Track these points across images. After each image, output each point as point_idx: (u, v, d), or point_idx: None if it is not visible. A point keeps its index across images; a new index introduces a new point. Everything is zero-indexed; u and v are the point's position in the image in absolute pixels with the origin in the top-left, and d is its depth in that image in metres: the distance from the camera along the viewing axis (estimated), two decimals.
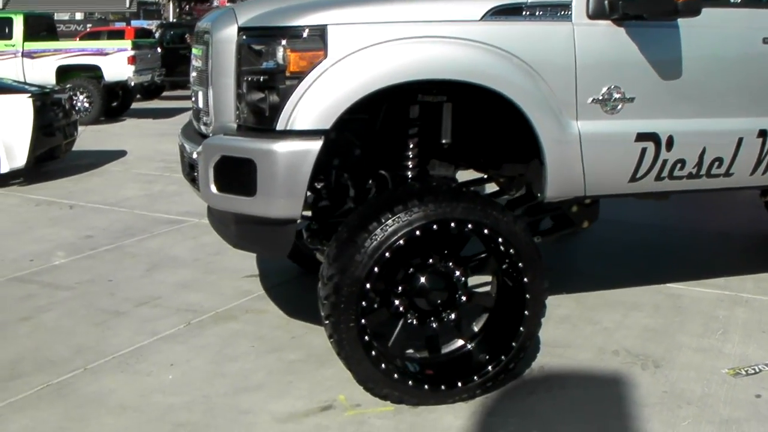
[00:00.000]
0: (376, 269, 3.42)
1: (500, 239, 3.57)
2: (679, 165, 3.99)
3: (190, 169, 3.85)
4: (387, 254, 3.42)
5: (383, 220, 3.41)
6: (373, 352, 3.53)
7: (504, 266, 3.72)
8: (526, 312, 3.69)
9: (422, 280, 3.64)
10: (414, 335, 3.80)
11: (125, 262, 5.94)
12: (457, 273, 3.69)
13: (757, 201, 7.09)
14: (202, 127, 3.89)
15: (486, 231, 3.55)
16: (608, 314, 4.89)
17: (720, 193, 5.57)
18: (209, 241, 6.41)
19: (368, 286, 3.44)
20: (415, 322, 3.68)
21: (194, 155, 3.72)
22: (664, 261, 6.11)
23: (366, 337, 3.50)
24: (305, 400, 3.73)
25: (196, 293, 5.24)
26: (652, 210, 7.37)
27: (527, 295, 3.67)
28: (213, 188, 3.56)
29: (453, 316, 3.72)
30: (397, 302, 3.66)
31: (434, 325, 3.72)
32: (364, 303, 3.47)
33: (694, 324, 4.74)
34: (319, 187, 4.11)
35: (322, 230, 4.26)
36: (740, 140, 4.11)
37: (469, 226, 3.53)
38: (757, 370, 4.09)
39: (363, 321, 3.48)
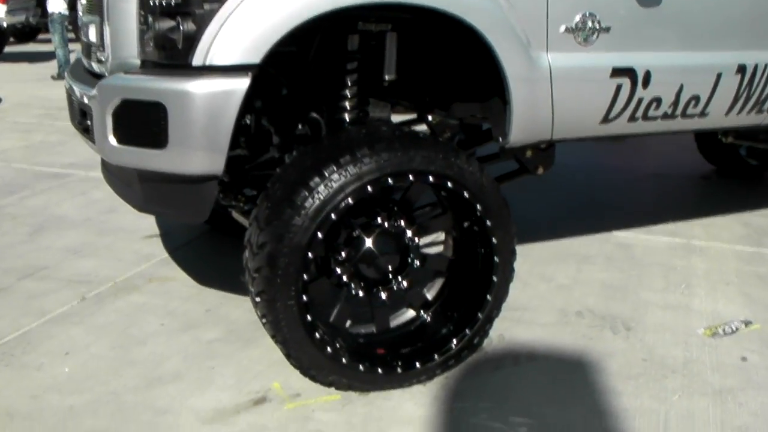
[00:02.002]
0: (319, 234, 2.81)
1: (466, 193, 3.00)
2: (654, 104, 3.52)
3: (81, 117, 3.13)
4: (332, 216, 2.80)
5: (327, 174, 2.78)
6: (317, 334, 2.93)
7: (467, 225, 3.17)
8: (494, 278, 3.16)
9: (369, 243, 3.04)
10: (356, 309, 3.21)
11: (5, 225, 5.13)
12: (410, 233, 3.12)
13: (688, 143, 6.81)
14: (96, 66, 3.17)
15: (450, 184, 2.97)
16: (560, 268, 4.44)
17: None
18: (100, 196, 5.70)
19: (310, 255, 2.83)
20: (361, 293, 3.10)
21: (87, 99, 3.01)
22: (606, 206, 5.73)
23: (309, 317, 2.89)
24: (233, 391, 3.11)
25: (90, 260, 4.51)
26: (584, 151, 7.02)
27: (496, 258, 3.13)
28: (112, 140, 2.85)
29: (406, 284, 3.15)
30: (339, 270, 3.06)
31: (383, 296, 3.14)
32: (305, 276, 2.85)
33: (654, 277, 4.34)
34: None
35: (236, 183, 3.60)
36: (719, 76, 3.67)
37: (430, 178, 2.94)
38: (734, 329, 3.70)
39: (305, 297, 2.87)
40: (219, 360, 3.36)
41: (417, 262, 3.15)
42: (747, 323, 3.75)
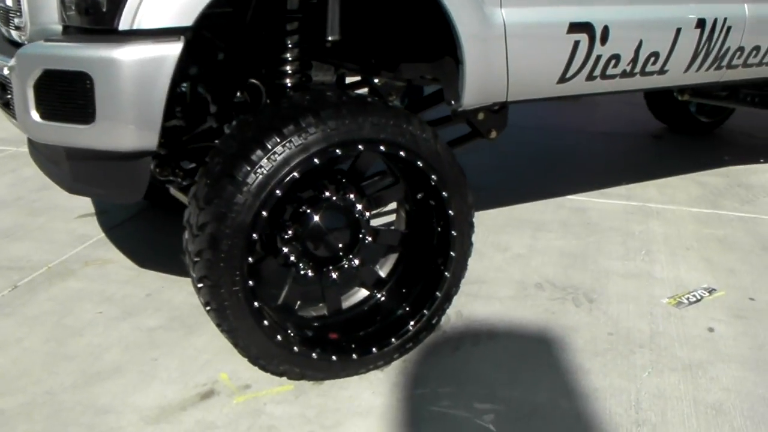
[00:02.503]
0: (264, 213, 2.58)
1: (420, 162, 2.80)
2: (613, 62, 3.36)
3: (1, 91, 2.85)
4: (278, 192, 2.58)
5: (270, 146, 2.54)
6: (266, 322, 2.71)
7: (421, 196, 2.97)
8: (452, 252, 2.97)
9: (317, 219, 2.82)
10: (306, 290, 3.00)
11: None
12: (360, 207, 2.90)
13: (638, 99, 6.70)
14: (14, 33, 2.88)
15: (402, 153, 2.76)
16: (515, 237, 4.27)
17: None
18: (32, 173, 5.34)
19: (255, 235, 2.60)
20: (310, 272, 2.89)
21: (5, 71, 2.73)
22: (558, 168, 5.60)
23: (256, 303, 2.67)
24: (178, 385, 2.88)
25: (21, 243, 4.21)
26: (532, 110, 6.85)
27: (453, 232, 2.94)
28: (35, 115, 2.58)
29: (357, 261, 2.95)
30: (286, 249, 2.84)
31: (334, 275, 2.93)
32: (250, 258, 2.62)
33: (613, 244, 4.20)
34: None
35: (173, 156, 3.34)
36: (678, 32, 3.51)
37: (381, 147, 2.73)
38: (699, 297, 3.59)
39: (251, 282, 2.64)
40: (162, 350, 3.13)
41: (368, 238, 2.95)
42: (711, 291, 3.64)
